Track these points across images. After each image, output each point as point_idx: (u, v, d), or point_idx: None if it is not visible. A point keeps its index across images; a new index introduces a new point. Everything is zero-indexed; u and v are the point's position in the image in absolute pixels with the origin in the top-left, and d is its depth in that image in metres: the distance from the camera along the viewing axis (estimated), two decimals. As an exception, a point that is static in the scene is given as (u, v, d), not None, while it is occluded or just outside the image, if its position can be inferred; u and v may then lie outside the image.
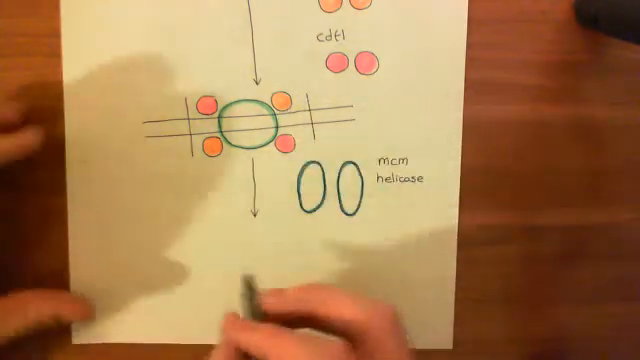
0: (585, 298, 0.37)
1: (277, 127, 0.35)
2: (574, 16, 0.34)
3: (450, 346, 0.36)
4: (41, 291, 0.35)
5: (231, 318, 0.27)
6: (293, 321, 0.27)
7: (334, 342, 0.25)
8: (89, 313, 0.35)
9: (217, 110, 0.34)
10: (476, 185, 0.35)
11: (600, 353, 0.37)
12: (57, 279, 0.36)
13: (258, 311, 0.27)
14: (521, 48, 0.35)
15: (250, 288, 0.28)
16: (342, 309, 0.26)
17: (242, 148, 0.35)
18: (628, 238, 0.36)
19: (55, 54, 0.34)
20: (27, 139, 0.32)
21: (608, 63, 0.35)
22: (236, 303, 0.27)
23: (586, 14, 0.33)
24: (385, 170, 0.35)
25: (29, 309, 0.33)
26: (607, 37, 0.34)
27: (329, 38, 0.34)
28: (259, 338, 0.25)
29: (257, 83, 0.34)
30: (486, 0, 0.34)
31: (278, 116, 0.35)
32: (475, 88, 0.35)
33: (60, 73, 0.34)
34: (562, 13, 0.34)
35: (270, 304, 0.27)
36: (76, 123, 0.34)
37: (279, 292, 0.27)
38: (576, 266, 0.37)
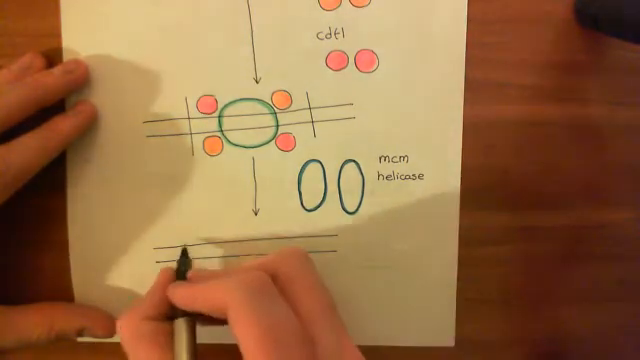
0: (585, 298, 0.37)
1: (277, 126, 0.35)
2: (574, 16, 0.34)
3: (452, 343, 0.36)
4: (69, 305, 0.35)
5: (168, 271, 0.31)
6: None
7: (253, 271, 0.27)
8: (114, 330, 0.34)
9: (217, 109, 0.35)
10: (476, 185, 0.35)
11: (600, 353, 0.37)
12: (57, 279, 0.36)
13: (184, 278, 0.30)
14: (521, 48, 0.34)
15: (183, 256, 0.34)
16: (253, 263, 0.29)
17: (242, 147, 0.35)
18: (628, 238, 0.36)
19: (55, 54, 0.34)
20: (88, 114, 0.33)
21: (608, 63, 0.35)
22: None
23: (586, 14, 0.33)
24: (386, 168, 0.35)
25: (56, 321, 0.33)
26: (607, 37, 0.34)
27: (329, 36, 0.34)
28: (183, 290, 0.28)
29: (257, 82, 0.34)
30: (486, 0, 0.34)
31: (278, 115, 0.35)
32: (475, 88, 0.34)
33: (60, 73, 0.34)
34: (562, 13, 0.34)
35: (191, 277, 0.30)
36: (76, 122, 0.34)
37: (200, 273, 0.30)
38: (576, 266, 0.36)
